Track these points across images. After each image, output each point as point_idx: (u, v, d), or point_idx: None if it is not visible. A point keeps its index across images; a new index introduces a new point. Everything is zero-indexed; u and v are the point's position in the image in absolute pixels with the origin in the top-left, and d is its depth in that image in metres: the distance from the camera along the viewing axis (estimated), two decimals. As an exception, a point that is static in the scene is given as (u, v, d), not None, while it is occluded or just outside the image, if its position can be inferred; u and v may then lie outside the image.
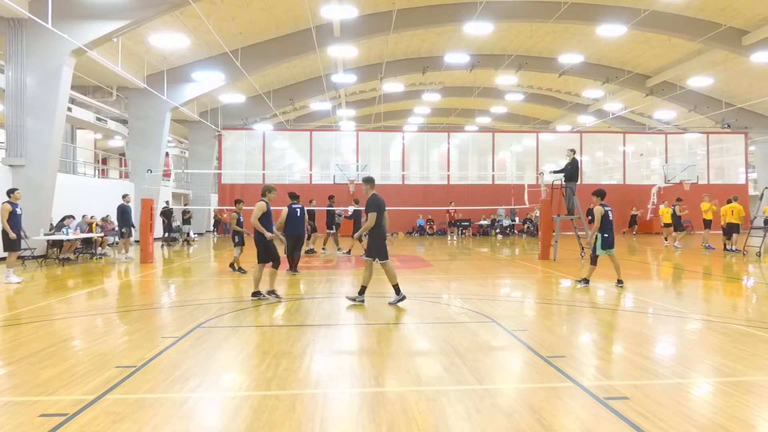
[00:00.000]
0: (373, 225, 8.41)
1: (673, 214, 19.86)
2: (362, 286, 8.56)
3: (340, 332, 6.85)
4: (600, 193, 10.20)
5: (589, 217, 10.28)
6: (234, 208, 13.21)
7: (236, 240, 12.98)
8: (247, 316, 7.76)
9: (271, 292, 8.93)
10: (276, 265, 9.01)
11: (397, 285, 8.45)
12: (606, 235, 9.91)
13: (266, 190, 9.29)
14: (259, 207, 8.96)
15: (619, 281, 10.18)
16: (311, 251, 17.40)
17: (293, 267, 12.46)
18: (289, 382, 4.74)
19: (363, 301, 8.49)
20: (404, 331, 6.85)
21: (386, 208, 8.65)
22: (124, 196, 16.59)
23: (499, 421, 3.87)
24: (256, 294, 8.92)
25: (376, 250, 8.48)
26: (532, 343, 6.04)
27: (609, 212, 9.98)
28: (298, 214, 12.30)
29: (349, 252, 17.64)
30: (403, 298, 8.40)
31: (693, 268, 14.20)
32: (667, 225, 20.92)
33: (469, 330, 6.73)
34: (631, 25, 23.62)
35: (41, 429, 3.74)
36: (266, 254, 8.90)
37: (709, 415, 4.02)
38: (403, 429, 3.74)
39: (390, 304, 8.35)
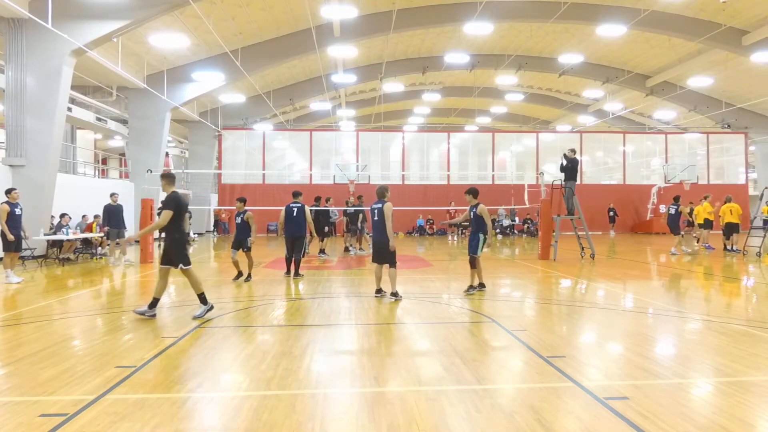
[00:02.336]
0: (165, 224, 7.29)
1: (671, 215, 18.04)
2: (154, 297, 7.40)
3: (340, 332, 6.84)
4: (475, 191, 9.70)
5: (471, 216, 9.56)
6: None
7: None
8: (247, 316, 7.76)
9: (394, 294, 8.88)
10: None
11: (202, 294, 7.47)
12: (484, 235, 9.56)
13: (385, 191, 9.05)
14: (389, 207, 8.84)
15: (482, 285, 9.75)
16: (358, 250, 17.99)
17: (295, 271, 11.74)
18: (289, 382, 4.74)
19: (154, 315, 7.39)
20: (404, 331, 6.85)
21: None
22: (111, 195, 15.69)
23: (499, 421, 3.87)
24: (379, 291, 9.07)
25: (176, 254, 7.39)
26: (532, 343, 6.03)
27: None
28: (294, 214, 11.78)
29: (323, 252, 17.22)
30: (211, 308, 7.50)
31: (693, 268, 14.20)
32: (701, 225, 18.94)
33: (469, 330, 6.73)
34: (631, 25, 23.61)
35: (41, 429, 3.74)
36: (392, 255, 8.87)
37: (709, 415, 4.02)
38: (403, 429, 3.74)
39: (195, 317, 7.29)
